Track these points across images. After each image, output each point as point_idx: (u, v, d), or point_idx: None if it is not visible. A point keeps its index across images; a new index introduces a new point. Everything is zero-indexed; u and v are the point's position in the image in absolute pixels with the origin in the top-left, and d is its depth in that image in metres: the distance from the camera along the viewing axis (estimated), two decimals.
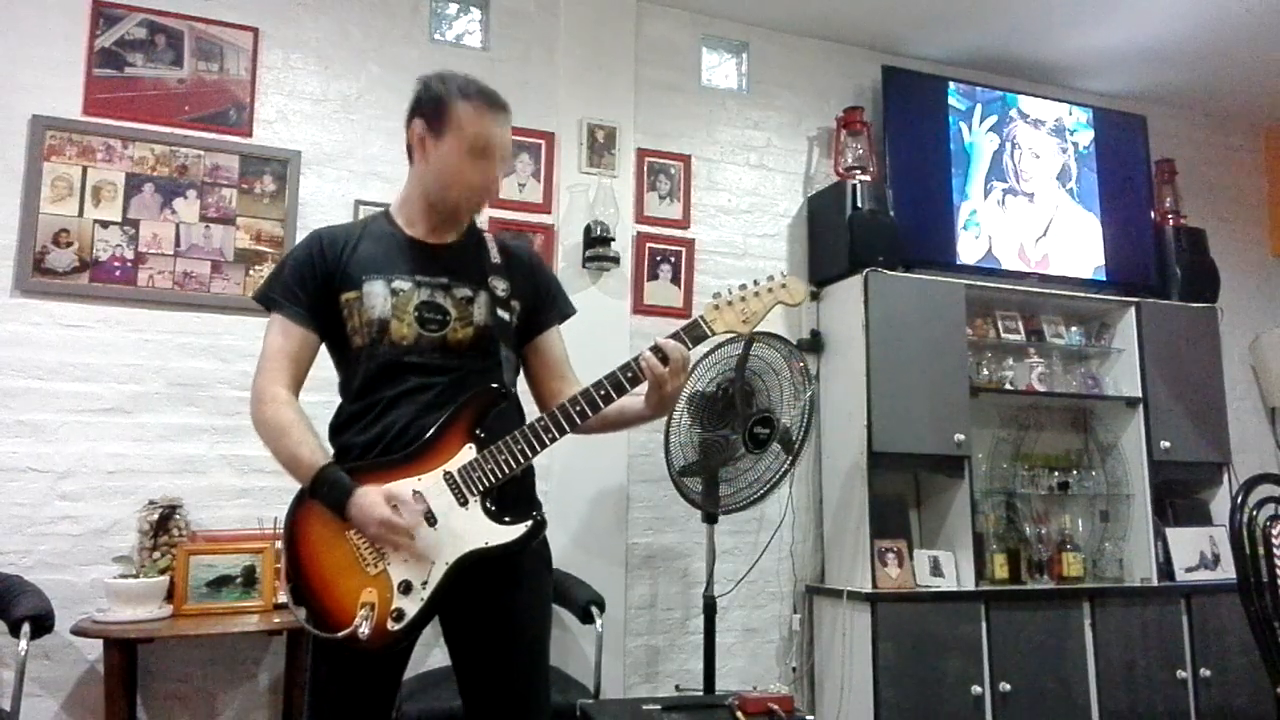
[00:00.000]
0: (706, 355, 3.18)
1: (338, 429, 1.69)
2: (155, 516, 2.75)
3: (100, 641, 2.55)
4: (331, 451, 1.66)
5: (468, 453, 1.61)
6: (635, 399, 1.70)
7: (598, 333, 3.17)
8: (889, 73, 3.88)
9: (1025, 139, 4.05)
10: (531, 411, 1.75)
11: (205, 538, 2.80)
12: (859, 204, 3.57)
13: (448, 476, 1.60)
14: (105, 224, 2.93)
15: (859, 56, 4.07)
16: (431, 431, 1.61)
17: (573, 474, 3.33)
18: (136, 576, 2.61)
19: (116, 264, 2.93)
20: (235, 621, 2.59)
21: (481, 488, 1.60)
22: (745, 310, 1.68)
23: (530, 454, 1.62)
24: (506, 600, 1.66)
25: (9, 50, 2.90)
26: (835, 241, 3.63)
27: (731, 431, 3.09)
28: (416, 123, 1.69)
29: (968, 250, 3.85)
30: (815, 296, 3.79)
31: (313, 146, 3.20)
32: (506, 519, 1.61)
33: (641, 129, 3.65)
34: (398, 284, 1.66)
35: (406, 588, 1.56)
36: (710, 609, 3.14)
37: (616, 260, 3.43)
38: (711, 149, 3.79)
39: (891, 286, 3.49)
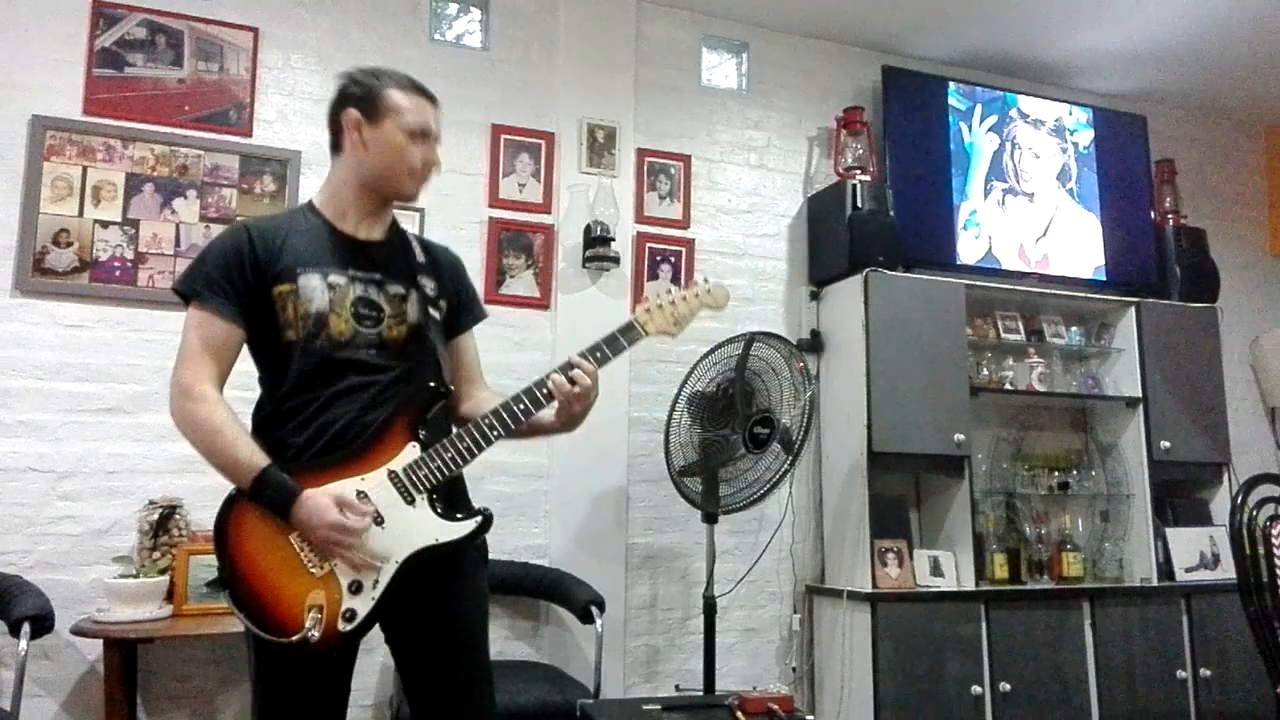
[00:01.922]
0: (706, 355, 3.19)
1: (266, 425, 1.65)
2: (155, 516, 2.75)
3: (100, 641, 2.56)
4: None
5: (411, 451, 1.60)
6: (548, 413, 1.72)
7: (598, 333, 3.17)
8: (889, 73, 3.88)
9: (1025, 139, 4.05)
10: None
11: (205, 538, 2.79)
12: (859, 204, 3.57)
13: (392, 475, 1.59)
14: (105, 224, 2.93)
15: (859, 56, 4.07)
16: (372, 430, 1.60)
17: (573, 474, 3.33)
18: (136, 576, 2.62)
19: (116, 264, 2.93)
20: (235, 621, 2.54)
21: (428, 485, 1.60)
22: (675, 313, 1.76)
23: (476, 452, 1.63)
24: (449, 598, 1.66)
25: (9, 50, 2.90)
26: (835, 241, 3.63)
27: (731, 431, 3.09)
28: (349, 112, 1.68)
29: (968, 250, 3.85)
30: (815, 296, 3.79)
31: (313, 146, 3.20)
32: (457, 515, 1.62)
33: (641, 129, 3.65)
34: (334, 278, 1.64)
35: (357, 587, 1.55)
36: (710, 609, 3.14)
37: (616, 260, 3.43)
38: (711, 149, 3.79)
39: (891, 286, 3.49)
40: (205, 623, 2.56)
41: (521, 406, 1.65)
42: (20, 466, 2.78)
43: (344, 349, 1.63)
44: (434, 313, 1.72)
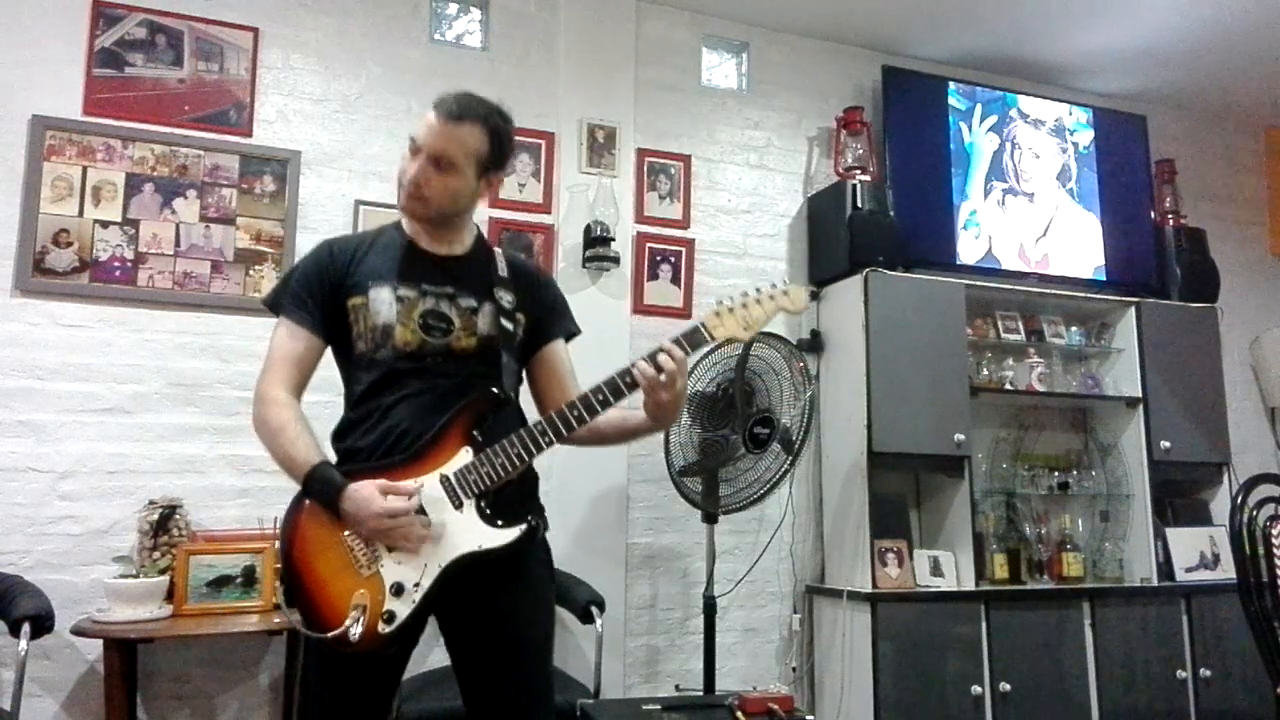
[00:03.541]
0: (706, 355, 3.18)
1: (341, 434, 1.71)
2: (155, 516, 2.74)
3: (100, 641, 2.55)
4: (331, 453, 1.67)
5: (464, 456, 1.61)
6: (638, 411, 1.71)
7: (598, 333, 3.16)
8: (889, 73, 3.88)
9: (1025, 139, 4.05)
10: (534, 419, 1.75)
11: (205, 538, 2.80)
12: (859, 204, 3.56)
13: (443, 479, 1.60)
14: (105, 224, 2.93)
15: (859, 56, 4.07)
16: (429, 435, 1.62)
17: (573, 474, 3.33)
18: (136, 576, 2.61)
19: (116, 264, 2.93)
20: (235, 621, 2.58)
21: (476, 490, 1.60)
22: (747, 317, 1.68)
23: (526, 458, 1.62)
24: (507, 604, 1.66)
25: (9, 50, 2.90)
26: (835, 241, 3.63)
27: (731, 431, 3.09)
28: None
29: (968, 250, 3.85)
30: (815, 296, 3.79)
31: (313, 146, 3.20)
32: (500, 522, 1.61)
33: (641, 129, 3.65)
34: (403, 291, 1.68)
35: (399, 590, 1.56)
36: (710, 609, 3.14)
37: (616, 260, 3.43)
38: (711, 149, 3.79)
39: (891, 286, 3.49)
40: (205, 623, 2.55)
41: (600, 397, 1.62)
42: (20, 466, 2.78)
43: (410, 358, 1.66)
44: (508, 324, 1.72)
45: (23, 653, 2.28)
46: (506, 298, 1.75)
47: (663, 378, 1.59)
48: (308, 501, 1.61)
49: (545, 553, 1.76)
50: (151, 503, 2.78)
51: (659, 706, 2.44)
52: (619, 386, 1.62)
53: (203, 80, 3.11)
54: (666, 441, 3.16)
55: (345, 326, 1.70)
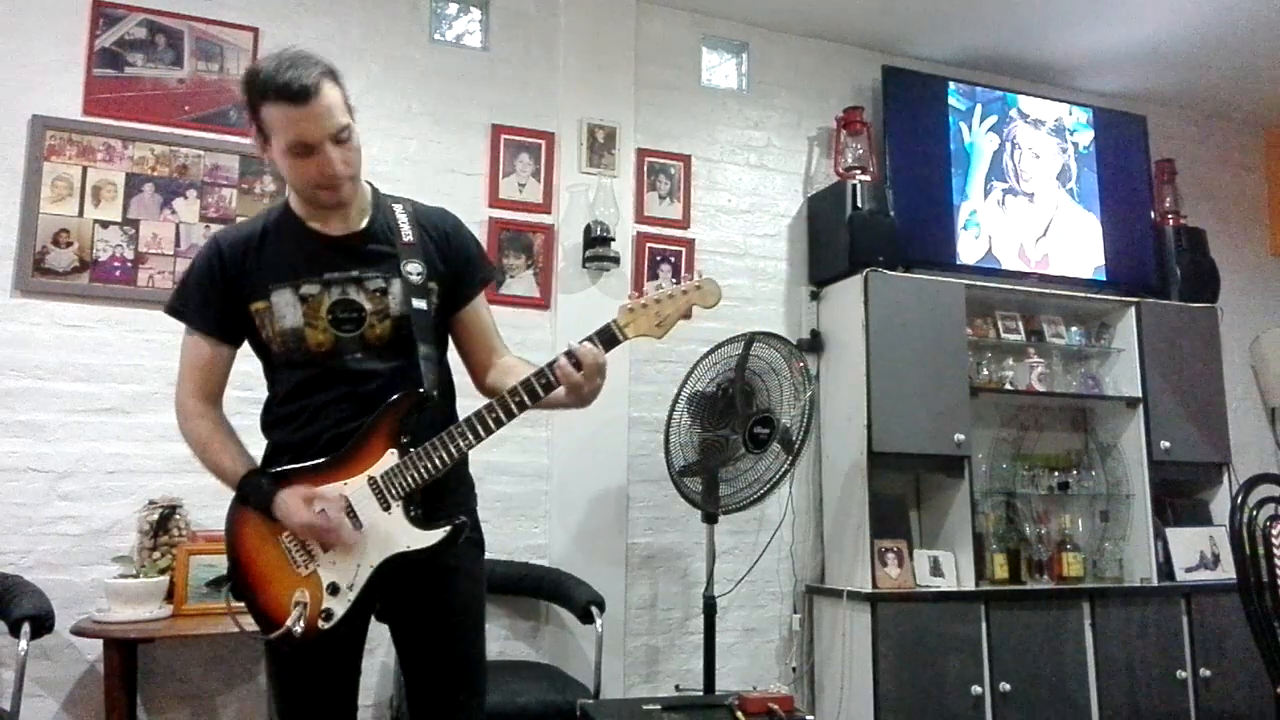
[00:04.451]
0: (706, 355, 3.19)
1: (270, 425, 1.71)
2: (155, 516, 2.75)
3: (100, 641, 2.56)
4: (258, 457, 1.69)
5: (390, 458, 1.60)
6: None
7: None
8: (889, 73, 3.88)
9: (1025, 139, 4.05)
10: (464, 391, 1.78)
11: (205, 538, 2.79)
12: (859, 204, 3.56)
13: (371, 481, 1.60)
14: (105, 224, 2.93)
15: (859, 56, 4.07)
16: (356, 437, 1.61)
17: (573, 474, 3.33)
18: (136, 576, 2.61)
19: (116, 264, 2.93)
20: (235, 621, 2.58)
21: (402, 492, 1.60)
22: (659, 313, 1.61)
23: (449, 460, 1.60)
24: (444, 594, 1.68)
25: (9, 50, 2.90)
26: (835, 241, 3.63)
27: (731, 431, 3.09)
28: (252, 129, 1.62)
29: (968, 250, 3.85)
30: (815, 296, 3.79)
31: None
32: (427, 524, 1.61)
33: (641, 129, 3.65)
34: (306, 289, 1.63)
35: (334, 589, 1.60)
36: (710, 609, 3.14)
37: (616, 260, 3.43)
38: (711, 149, 3.79)
39: (891, 286, 3.49)
40: (205, 623, 2.56)
41: (517, 399, 1.59)
42: (20, 466, 2.78)
43: (328, 358, 1.63)
44: (419, 302, 1.66)
45: (23, 653, 2.29)
46: (415, 269, 1.67)
47: (583, 376, 1.56)
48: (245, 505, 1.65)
49: (476, 533, 1.74)
50: (151, 503, 2.78)
51: (659, 706, 2.44)
52: (535, 389, 1.59)
53: (203, 80, 3.11)
54: (666, 441, 3.16)
55: (253, 329, 1.66)
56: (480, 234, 3.36)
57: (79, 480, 2.82)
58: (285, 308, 1.62)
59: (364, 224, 1.70)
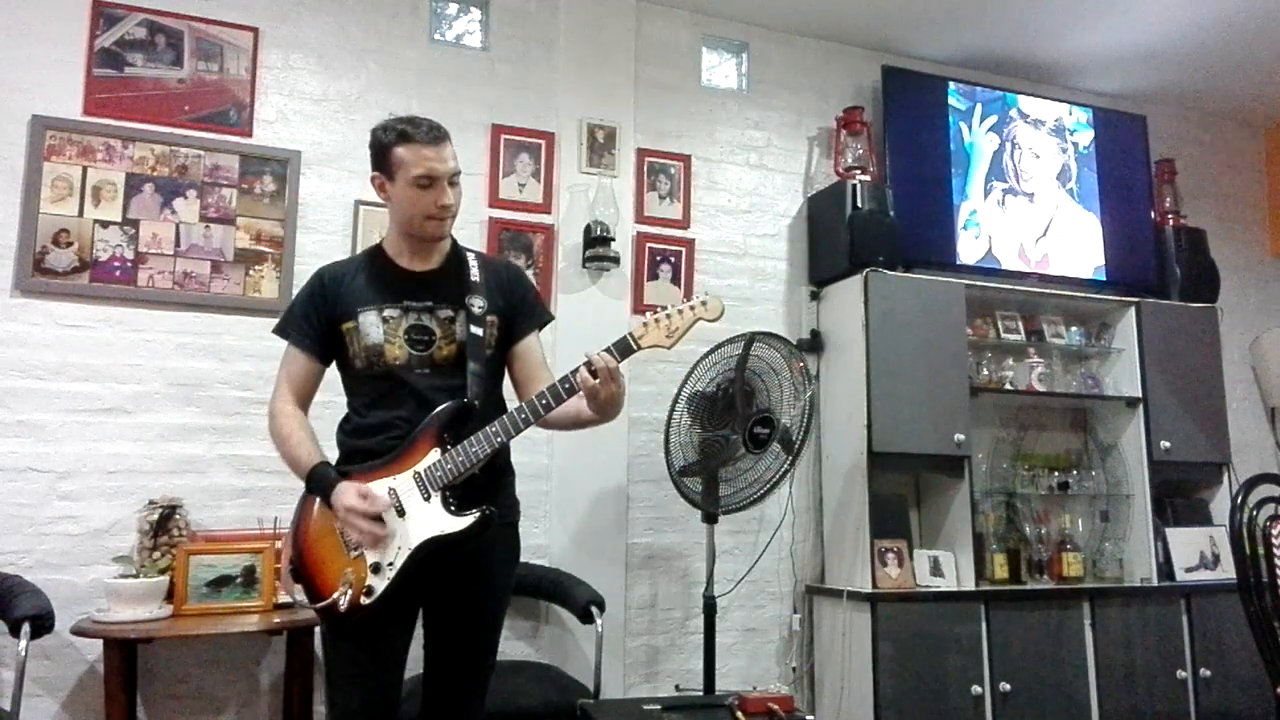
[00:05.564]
0: (706, 355, 3.19)
1: (349, 433, 1.99)
2: (155, 516, 2.74)
3: (100, 641, 2.55)
4: (332, 455, 1.96)
5: (433, 455, 1.87)
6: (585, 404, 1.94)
7: (598, 333, 3.17)
8: (889, 73, 3.88)
9: (1025, 139, 4.05)
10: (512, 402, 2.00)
11: (205, 538, 2.80)
12: (859, 204, 3.56)
13: (416, 475, 1.86)
14: (105, 224, 2.93)
15: (859, 56, 4.07)
16: (410, 439, 1.89)
17: (573, 474, 3.33)
18: (136, 576, 2.61)
19: (116, 264, 2.93)
20: (235, 621, 2.59)
21: (441, 484, 1.85)
22: (670, 327, 1.88)
23: (483, 454, 1.85)
24: (478, 588, 1.97)
25: (9, 50, 2.90)
26: (835, 241, 3.63)
27: (731, 431, 3.09)
28: (374, 174, 1.96)
29: (968, 250, 3.85)
30: (815, 296, 3.79)
31: (313, 146, 3.20)
32: (461, 512, 1.85)
33: (641, 129, 3.65)
34: (388, 312, 1.95)
35: (376, 568, 1.84)
36: (710, 609, 3.14)
37: (616, 260, 3.43)
38: (711, 149, 3.79)
39: (891, 286, 3.49)
40: (205, 623, 2.56)
41: (544, 402, 1.86)
42: (20, 466, 2.78)
43: (402, 370, 1.93)
44: (477, 330, 1.97)
45: (23, 653, 2.28)
46: (477, 303, 1.99)
47: (599, 382, 1.82)
48: (310, 494, 1.92)
49: (514, 540, 2.06)
50: (151, 503, 2.78)
51: (659, 706, 2.44)
52: (560, 392, 1.86)
53: (203, 80, 3.11)
54: (666, 441, 3.16)
55: (343, 346, 1.97)
56: (480, 234, 3.37)
57: (79, 480, 2.82)
58: (370, 326, 1.94)
59: (441, 263, 2.04)
